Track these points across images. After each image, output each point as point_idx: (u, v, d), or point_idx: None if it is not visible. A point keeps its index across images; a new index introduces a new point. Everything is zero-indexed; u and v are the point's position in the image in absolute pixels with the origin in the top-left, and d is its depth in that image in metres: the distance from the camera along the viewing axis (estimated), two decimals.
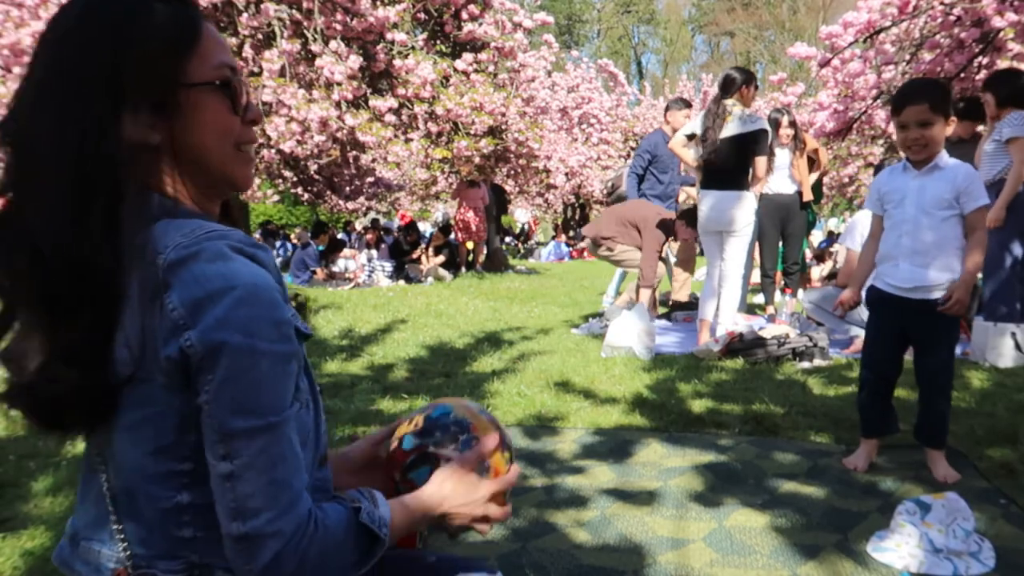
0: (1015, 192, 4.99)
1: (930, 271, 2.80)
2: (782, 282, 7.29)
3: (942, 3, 7.44)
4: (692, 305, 7.20)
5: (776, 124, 6.78)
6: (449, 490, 1.14)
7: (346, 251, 12.60)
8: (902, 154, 2.94)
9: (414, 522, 1.10)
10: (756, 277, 8.22)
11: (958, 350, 5.26)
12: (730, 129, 5.24)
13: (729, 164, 5.27)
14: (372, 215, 25.31)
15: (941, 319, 2.80)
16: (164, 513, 0.96)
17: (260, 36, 9.16)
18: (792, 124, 6.79)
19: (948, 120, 2.79)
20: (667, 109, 7.56)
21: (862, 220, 5.62)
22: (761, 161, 5.33)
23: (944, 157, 2.83)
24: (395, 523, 1.05)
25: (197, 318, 0.89)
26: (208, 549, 0.97)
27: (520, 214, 26.70)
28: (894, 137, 9.58)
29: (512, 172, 14.90)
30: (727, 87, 5.35)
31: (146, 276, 0.92)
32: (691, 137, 5.50)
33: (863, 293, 3.09)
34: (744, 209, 5.38)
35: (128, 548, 0.98)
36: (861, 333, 4.14)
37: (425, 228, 20.50)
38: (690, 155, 5.59)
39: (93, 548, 1.02)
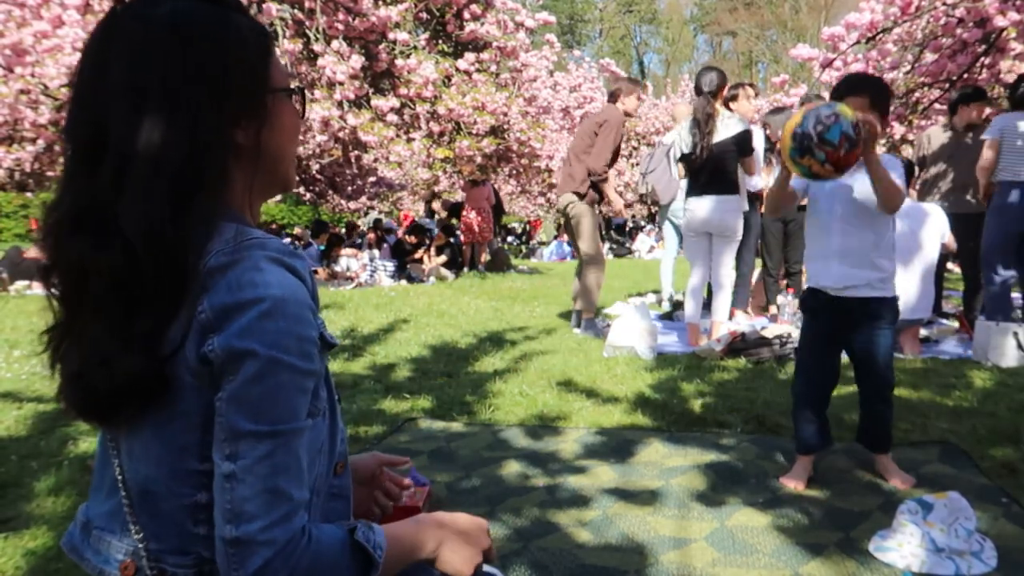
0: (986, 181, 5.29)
1: (861, 270, 2.76)
2: (784, 282, 7.29)
3: (944, 3, 7.43)
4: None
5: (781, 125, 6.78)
6: (450, 520, 1.14)
7: (348, 250, 12.60)
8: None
9: (407, 550, 1.07)
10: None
11: (960, 350, 5.33)
12: (719, 133, 5.39)
13: (722, 168, 5.39)
14: (374, 215, 25.30)
15: (875, 320, 2.79)
16: (181, 509, 0.98)
17: None
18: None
19: (885, 119, 2.72)
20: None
21: None
22: (750, 161, 5.50)
23: None
24: (390, 550, 1.03)
25: (222, 324, 0.92)
26: None
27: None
28: (896, 136, 9.57)
29: (514, 172, 14.92)
30: (715, 89, 5.46)
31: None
32: (686, 157, 5.58)
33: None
34: (738, 213, 5.54)
35: (143, 540, 1.00)
36: None
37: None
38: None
39: (105, 538, 1.03)
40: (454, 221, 14.12)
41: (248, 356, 0.92)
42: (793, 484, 2.81)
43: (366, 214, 25.72)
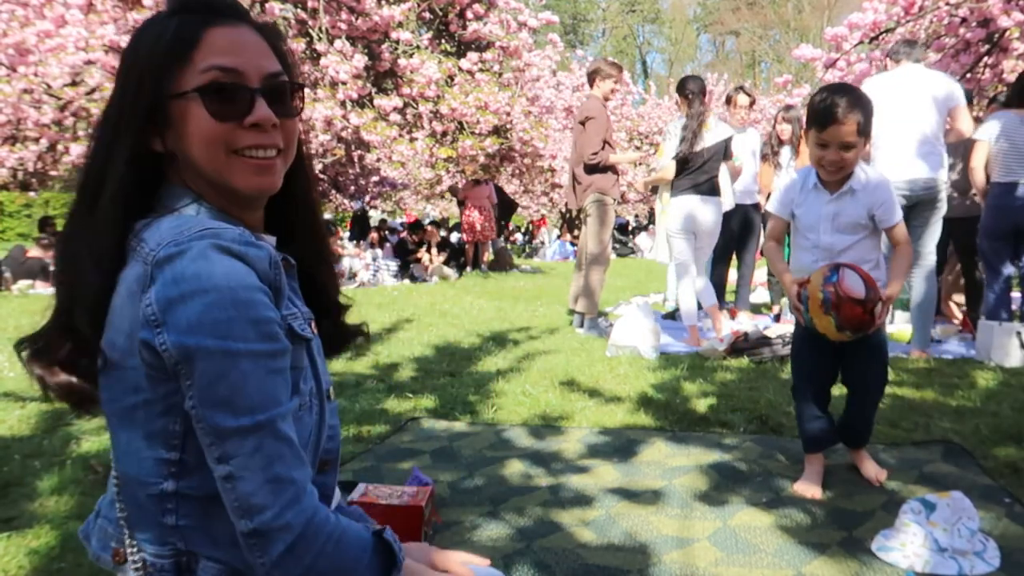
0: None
1: None
2: None
3: (947, 3, 7.42)
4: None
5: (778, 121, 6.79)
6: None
7: (352, 249, 12.60)
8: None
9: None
10: (762, 277, 8.21)
11: (963, 349, 5.33)
12: (712, 136, 5.58)
13: (710, 170, 5.60)
14: (378, 215, 25.25)
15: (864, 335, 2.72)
16: (152, 499, 0.99)
17: None
18: (790, 120, 6.71)
19: (866, 141, 2.63)
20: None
21: None
22: (731, 164, 5.85)
23: (858, 177, 2.66)
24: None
25: (168, 317, 0.91)
26: (193, 538, 1.00)
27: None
28: None
29: (517, 171, 14.93)
30: (702, 93, 5.70)
31: (141, 271, 0.95)
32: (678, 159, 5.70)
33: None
34: (720, 214, 5.78)
35: (127, 529, 1.03)
36: None
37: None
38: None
39: (105, 526, 1.07)
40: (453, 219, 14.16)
41: (200, 353, 0.90)
42: (810, 493, 2.71)
43: (363, 214, 25.67)
